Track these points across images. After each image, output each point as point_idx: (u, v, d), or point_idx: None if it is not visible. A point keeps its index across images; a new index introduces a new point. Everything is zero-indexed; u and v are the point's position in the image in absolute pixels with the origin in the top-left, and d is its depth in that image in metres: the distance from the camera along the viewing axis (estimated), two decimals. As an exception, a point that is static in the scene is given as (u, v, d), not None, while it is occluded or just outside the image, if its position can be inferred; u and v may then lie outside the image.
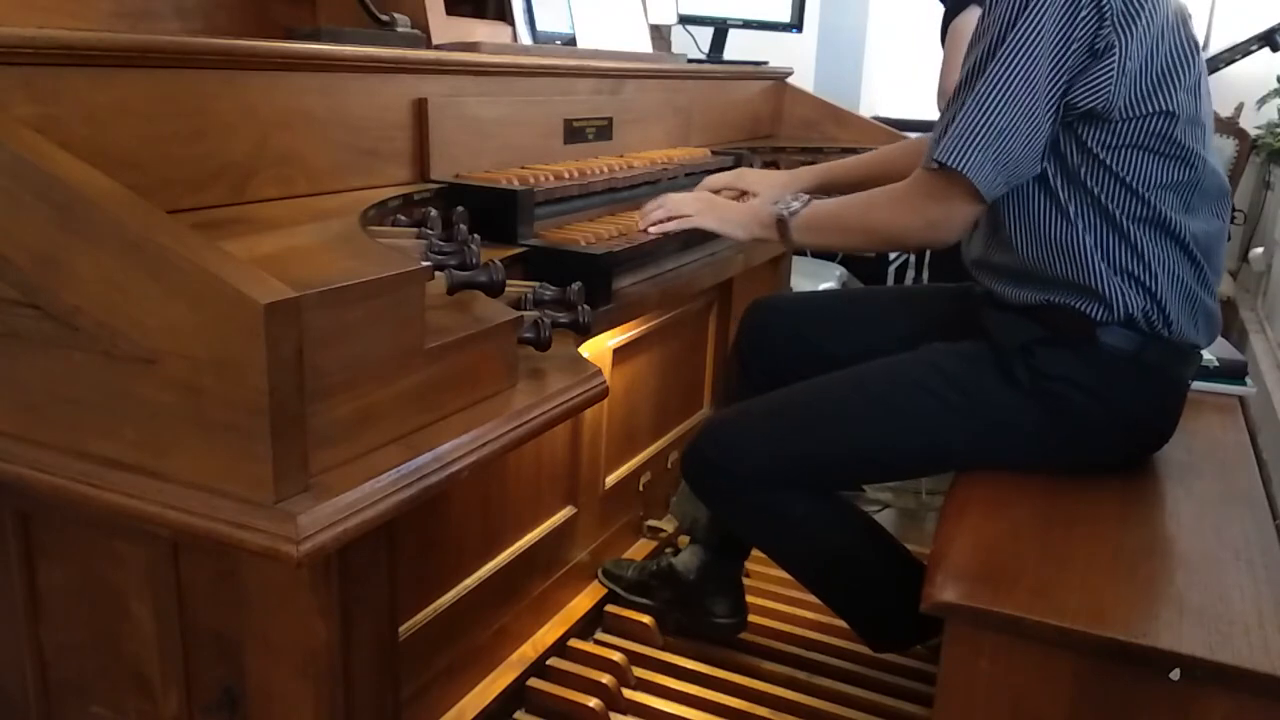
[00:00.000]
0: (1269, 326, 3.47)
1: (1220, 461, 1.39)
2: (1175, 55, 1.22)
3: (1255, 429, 1.65)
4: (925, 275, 3.87)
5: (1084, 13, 1.17)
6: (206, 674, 1.02)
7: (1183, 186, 1.25)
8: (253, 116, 1.10)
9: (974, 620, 1.02)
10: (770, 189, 1.63)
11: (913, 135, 2.16)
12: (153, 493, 0.78)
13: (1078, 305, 1.26)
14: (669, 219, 1.45)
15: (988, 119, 1.19)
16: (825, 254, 3.40)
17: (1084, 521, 1.19)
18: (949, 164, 1.21)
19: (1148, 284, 1.25)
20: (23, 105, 0.88)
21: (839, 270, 3.25)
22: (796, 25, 2.68)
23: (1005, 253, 1.32)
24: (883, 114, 3.58)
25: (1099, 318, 1.26)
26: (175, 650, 1.03)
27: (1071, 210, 1.26)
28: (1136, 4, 1.18)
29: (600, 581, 1.87)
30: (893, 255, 3.44)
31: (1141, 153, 1.23)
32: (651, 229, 1.44)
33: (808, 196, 1.45)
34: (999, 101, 1.19)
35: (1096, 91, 1.19)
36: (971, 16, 2.55)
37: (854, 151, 2.15)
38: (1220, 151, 3.39)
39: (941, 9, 2.69)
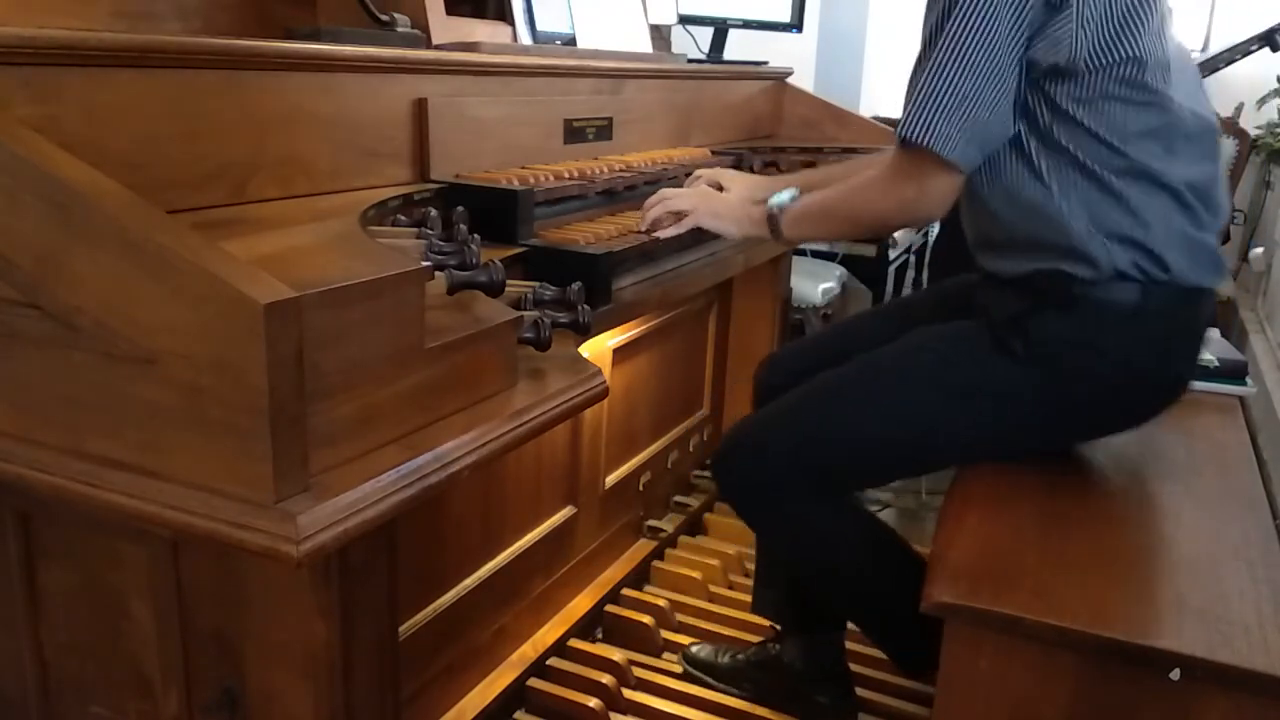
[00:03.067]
0: (1269, 326, 3.47)
1: (1220, 461, 1.39)
2: (1135, 1, 1.20)
3: (1255, 429, 1.65)
4: (925, 275, 3.87)
5: None
6: (206, 674, 1.02)
7: (1160, 132, 1.22)
8: (253, 116, 1.10)
9: (974, 620, 1.03)
10: (745, 185, 1.61)
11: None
12: (153, 493, 0.78)
13: (1066, 268, 1.24)
14: (666, 215, 1.44)
15: (949, 87, 1.18)
16: (825, 254, 3.40)
17: (1084, 521, 1.19)
18: (913, 139, 1.20)
19: (1139, 235, 1.22)
20: (23, 105, 0.88)
21: (839, 270, 3.25)
22: (796, 25, 2.68)
23: (990, 224, 1.31)
24: (883, 114, 3.57)
25: (1088, 277, 1.24)
26: (175, 650, 1.02)
27: (1044, 171, 1.24)
28: None
29: (686, 670, 1.75)
30: (892, 254, 3.43)
31: (1112, 103, 1.20)
32: (656, 233, 1.43)
33: (798, 192, 1.44)
34: (958, 67, 1.17)
35: (1057, 46, 1.18)
36: None
37: (854, 152, 2.16)
38: (1220, 151, 3.39)
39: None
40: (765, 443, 1.39)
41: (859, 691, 1.69)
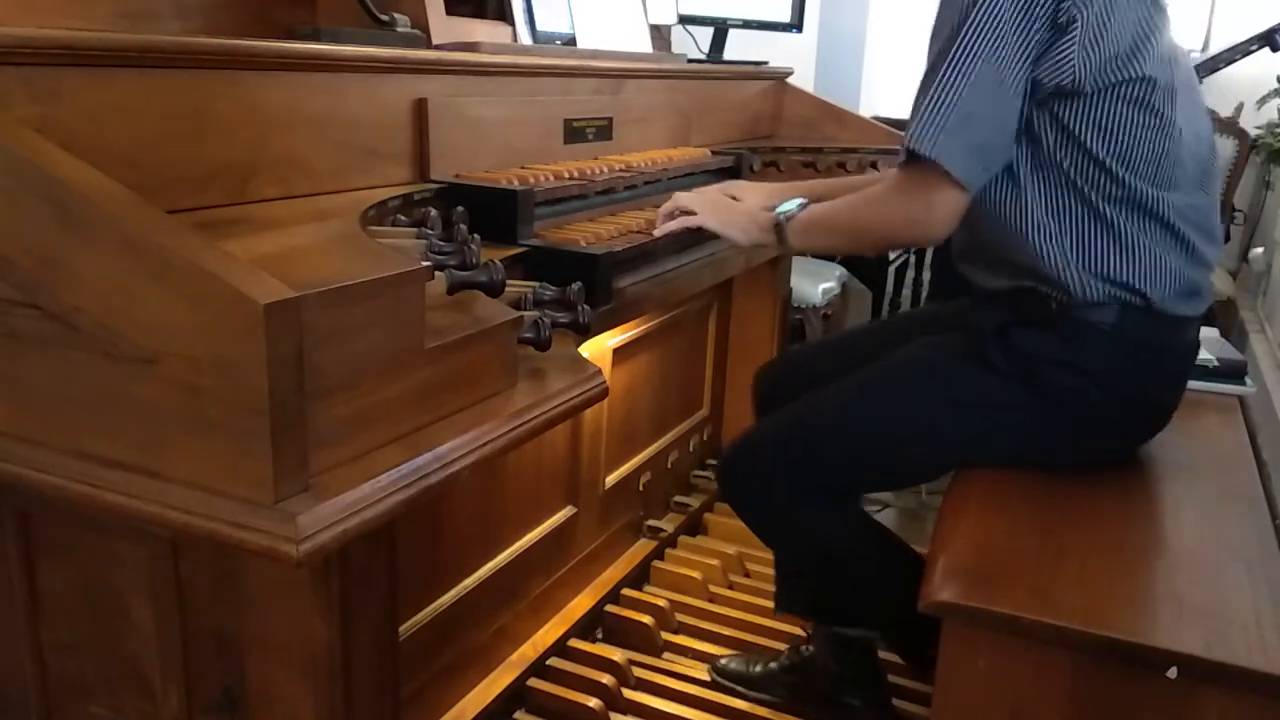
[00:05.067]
0: (1269, 326, 3.47)
1: (1220, 461, 1.39)
2: (1143, 22, 1.20)
3: (1255, 429, 1.65)
4: (926, 276, 3.87)
5: None
6: (206, 674, 1.02)
7: (1162, 159, 1.22)
8: (253, 116, 1.10)
9: (972, 620, 1.03)
10: (758, 195, 1.61)
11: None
12: (153, 493, 0.78)
13: (1044, 289, 1.26)
14: (674, 215, 1.45)
15: (955, 104, 1.18)
16: (826, 255, 3.40)
17: (1082, 520, 1.20)
18: (919, 151, 1.19)
19: (1122, 268, 1.23)
20: (23, 105, 0.88)
21: (839, 270, 3.25)
22: (796, 25, 2.68)
23: (972, 238, 1.32)
24: (883, 114, 3.57)
25: (1063, 300, 1.25)
26: (175, 650, 1.03)
27: (1034, 194, 1.24)
28: None
29: (716, 681, 1.72)
30: (893, 255, 3.43)
31: (1119, 126, 1.20)
32: (656, 231, 1.45)
33: (806, 201, 1.44)
34: (964, 85, 1.17)
35: (1060, 67, 1.18)
36: None
37: (854, 152, 2.16)
38: (1220, 151, 3.37)
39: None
40: (770, 451, 1.40)
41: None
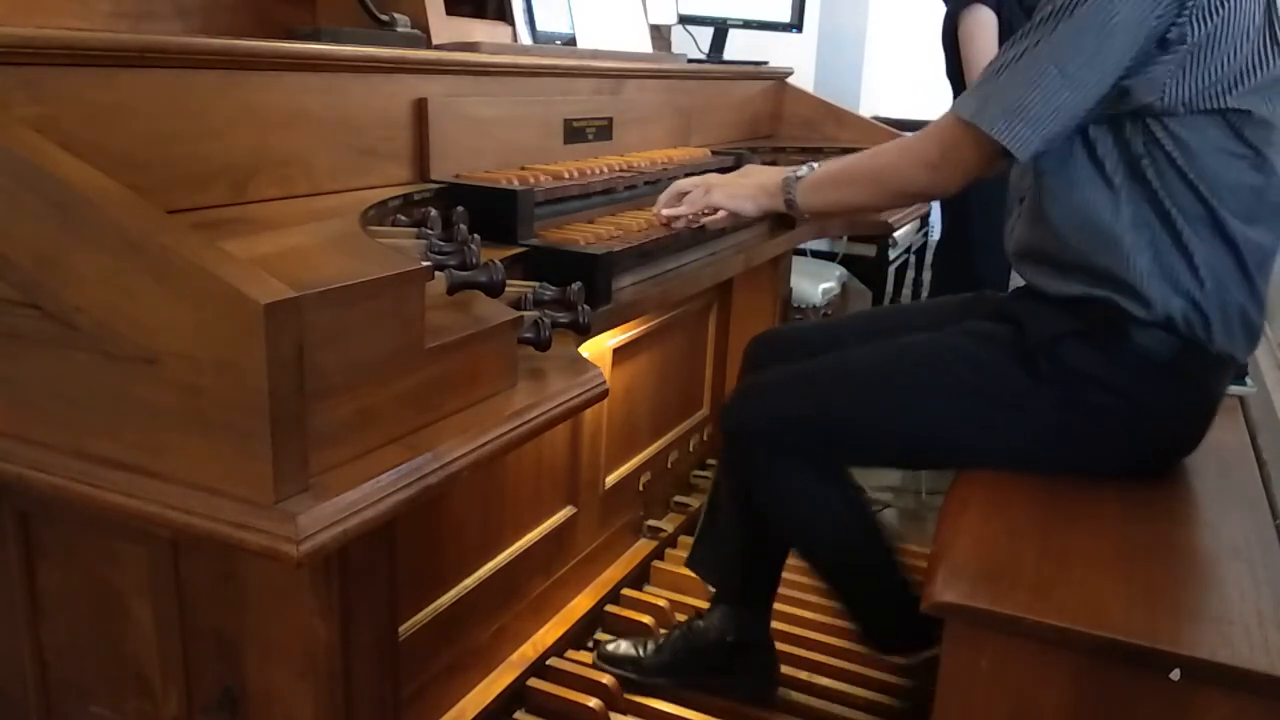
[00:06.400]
0: (1269, 326, 3.47)
1: (1220, 461, 1.39)
2: (1256, 54, 1.17)
3: (1255, 429, 1.65)
4: (925, 276, 3.87)
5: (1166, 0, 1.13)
6: (206, 674, 1.02)
7: (1249, 193, 1.20)
8: (253, 116, 1.10)
9: (974, 620, 1.03)
10: (763, 172, 1.60)
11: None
12: (153, 493, 0.78)
13: (1119, 300, 1.22)
14: (681, 204, 1.47)
15: (1042, 95, 1.16)
16: (825, 254, 3.41)
17: (1084, 521, 1.19)
18: (992, 134, 1.18)
19: (1191, 289, 1.21)
20: (23, 105, 0.88)
21: (839, 270, 3.25)
22: (796, 25, 2.68)
23: (1048, 240, 1.29)
24: (883, 114, 3.58)
25: (1140, 316, 1.22)
26: (175, 650, 1.03)
27: (1122, 201, 1.22)
28: None
29: (603, 668, 1.70)
30: (892, 254, 3.43)
31: (1211, 150, 1.18)
32: (674, 221, 1.47)
33: (815, 165, 1.44)
34: (1058, 78, 1.15)
35: (1152, 85, 1.16)
36: (980, 13, 2.54)
37: (854, 152, 2.15)
38: None
39: (943, 9, 2.69)
40: (777, 405, 1.40)
41: (856, 691, 1.70)
